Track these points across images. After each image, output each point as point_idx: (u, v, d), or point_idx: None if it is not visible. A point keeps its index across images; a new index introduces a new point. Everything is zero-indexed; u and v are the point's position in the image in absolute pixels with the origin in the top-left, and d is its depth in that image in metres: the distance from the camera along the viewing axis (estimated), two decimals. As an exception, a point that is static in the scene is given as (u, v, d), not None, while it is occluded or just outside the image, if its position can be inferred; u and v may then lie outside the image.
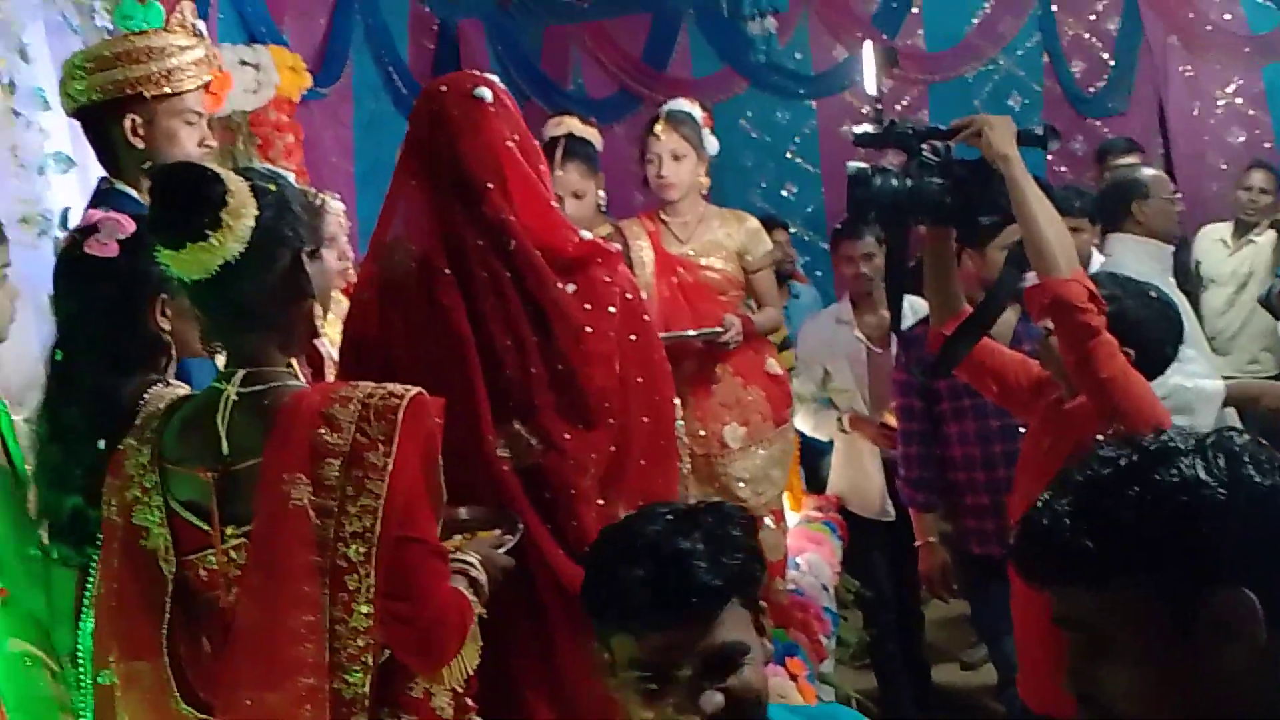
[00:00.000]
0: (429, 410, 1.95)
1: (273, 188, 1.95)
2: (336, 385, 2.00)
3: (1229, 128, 7.39)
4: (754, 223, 4.24)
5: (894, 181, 2.86)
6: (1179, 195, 5.11)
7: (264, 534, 1.88)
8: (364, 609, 1.85)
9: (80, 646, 2.23)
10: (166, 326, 2.34)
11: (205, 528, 1.95)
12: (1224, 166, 7.24)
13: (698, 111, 4.16)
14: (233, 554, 1.93)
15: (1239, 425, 4.10)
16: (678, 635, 1.59)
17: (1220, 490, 1.23)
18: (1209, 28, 7.34)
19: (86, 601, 2.22)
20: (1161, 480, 1.25)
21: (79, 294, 2.37)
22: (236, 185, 1.89)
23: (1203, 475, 1.24)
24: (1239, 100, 7.38)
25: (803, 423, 4.97)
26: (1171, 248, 4.51)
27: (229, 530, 1.93)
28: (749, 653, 1.62)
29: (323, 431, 1.87)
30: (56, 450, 2.31)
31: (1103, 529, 1.25)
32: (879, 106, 3.09)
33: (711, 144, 4.16)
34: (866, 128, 3.03)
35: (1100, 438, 1.36)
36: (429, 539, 1.96)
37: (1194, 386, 3.96)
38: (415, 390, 1.94)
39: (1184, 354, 3.57)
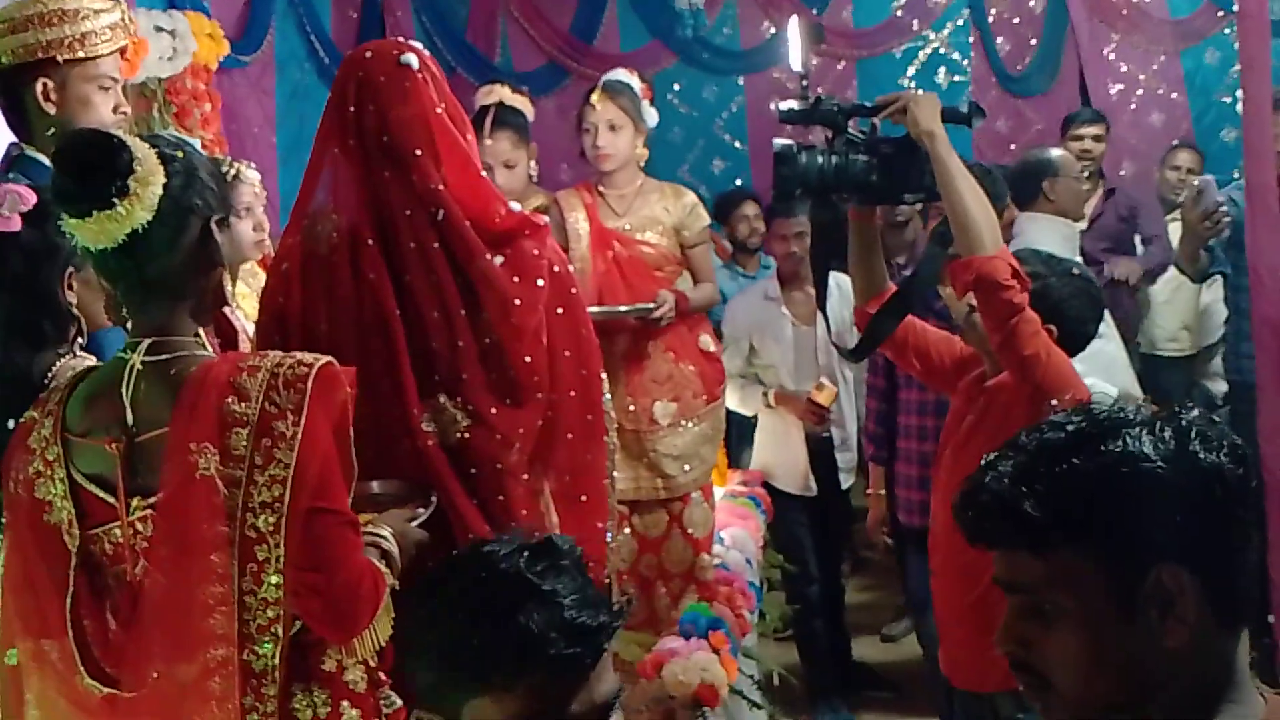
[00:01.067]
0: (340, 380, 1.93)
1: (180, 155, 1.91)
2: (245, 355, 1.99)
3: (1149, 110, 7.50)
4: (691, 197, 4.22)
5: (820, 159, 2.86)
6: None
7: (171, 505, 1.85)
8: (274, 579, 1.84)
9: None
10: (74, 299, 2.27)
11: (111, 500, 1.92)
12: (1143, 148, 7.35)
13: (636, 83, 4.11)
14: (139, 526, 1.90)
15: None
16: (554, 690, 1.45)
17: (1161, 465, 1.23)
18: (1130, 10, 7.43)
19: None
20: (1106, 451, 1.24)
21: None
22: (144, 152, 1.86)
23: (1147, 449, 1.23)
24: (1159, 83, 7.49)
25: (729, 398, 4.98)
26: (1080, 226, 4.58)
27: (135, 502, 1.90)
28: (620, 694, 1.52)
29: (230, 400, 1.84)
30: None
31: (1046, 494, 1.25)
32: (805, 83, 3.08)
33: (651, 116, 4.12)
34: (792, 103, 3.03)
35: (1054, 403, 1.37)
36: (341, 509, 1.93)
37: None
38: (325, 359, 1.92)
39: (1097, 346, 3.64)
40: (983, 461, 1.31)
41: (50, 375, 2.17)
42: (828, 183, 2.88)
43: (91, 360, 2.23)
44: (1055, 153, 4.89)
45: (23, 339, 2.24)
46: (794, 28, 3.31)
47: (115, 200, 1.82)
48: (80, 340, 2.32)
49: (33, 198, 2.23)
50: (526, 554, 1.51)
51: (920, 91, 2.91)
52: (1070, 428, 1.28)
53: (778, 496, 5.09)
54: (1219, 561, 1.25)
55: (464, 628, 1.47)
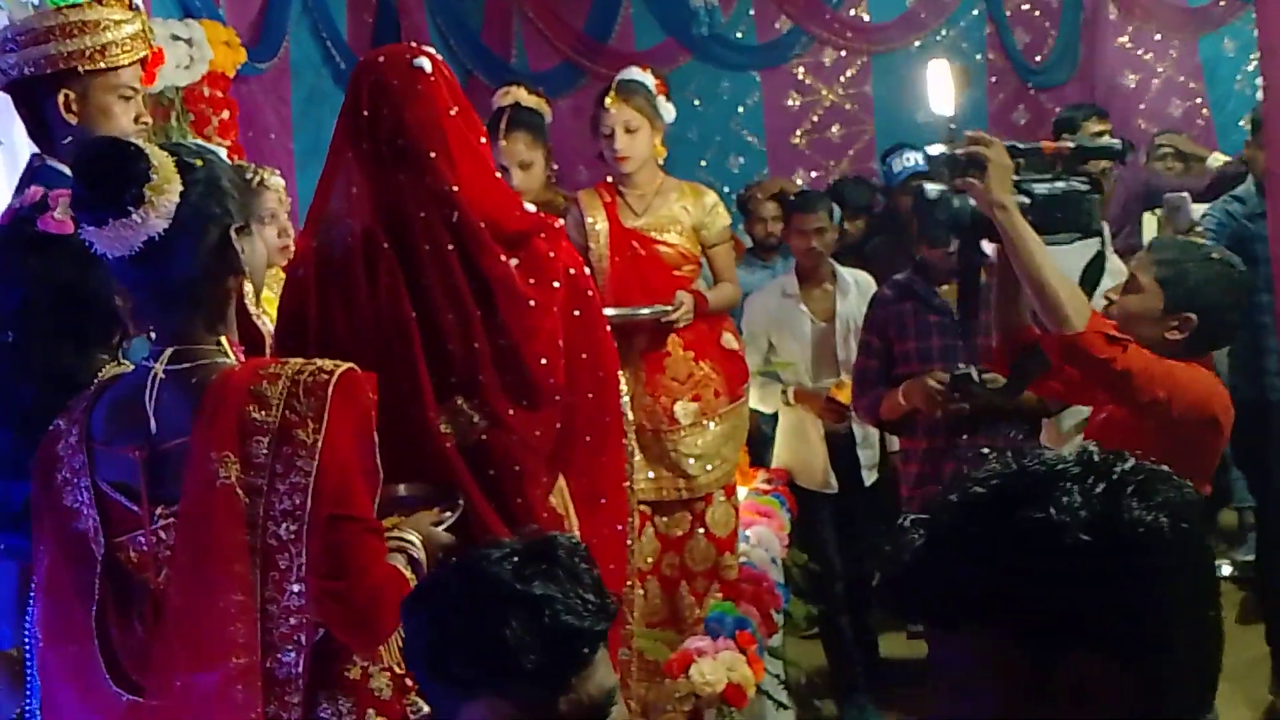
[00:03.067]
0: (361, 386, 1.92)
1: (199, 163, 1.91)
2: (266, 362, 1.97)
3: (1168, 99, 7.46)
4: (712, 197, 4.20)
5: (972, 203, 2.85)
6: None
7: (192, 513, 1.85)
8: (295, 587, 1.83)
9: (28, 638, 2.18)
10: (121, 302, 2.28)
11: (135, 508, 1.92)
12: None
13: (649, 80, 4.09)
14: (162, 534, 1.91)
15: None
16: (551, 690, 1.44)
17: (1084, 535, 1.08)
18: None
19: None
20: (1022, 517, 1.10)
21: (34, 273, 2.30)
22: (161, 160, 1.86)
23: (1066, 515, 1.08)
24: (1177, 71, 7.44)
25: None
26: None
27: (158, 510, 1.90)
28: (615, 692, 1.51)
29: (251, 408, 1.84)
30: (6, 438, 2.26)
31: (953, 567, 1.11)
32: (952, 126, 3.06)
33: (668, 112, 4.10)
34: (941, 147, 3.01)
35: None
36: (363, 516, 1.93)
37: None
38: (345, 366, 1.91)
39: None
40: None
41: (95, 380, 2.18)
42: (980, 226, 2.85)
43: (130, 367, 2.24)
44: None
45: (71, 340, 2.27)
46: (942, 71, 3.25)
47: (131, 209, 1.82)
48: (125, 345, 2.33)
49: None
50: (517, 558, 1.48)
51: (989, 142, 2.80)
52: (994, 483, 1.14)
53: (799, 494, 5.08)
54: (1149, 645, 1.09)
55: (449, 636, 1.46)
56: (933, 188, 2.94)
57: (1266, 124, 3.97)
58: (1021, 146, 2.96)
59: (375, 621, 1.94)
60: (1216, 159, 5.90)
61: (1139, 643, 1.09)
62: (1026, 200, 2.84)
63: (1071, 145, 3.01)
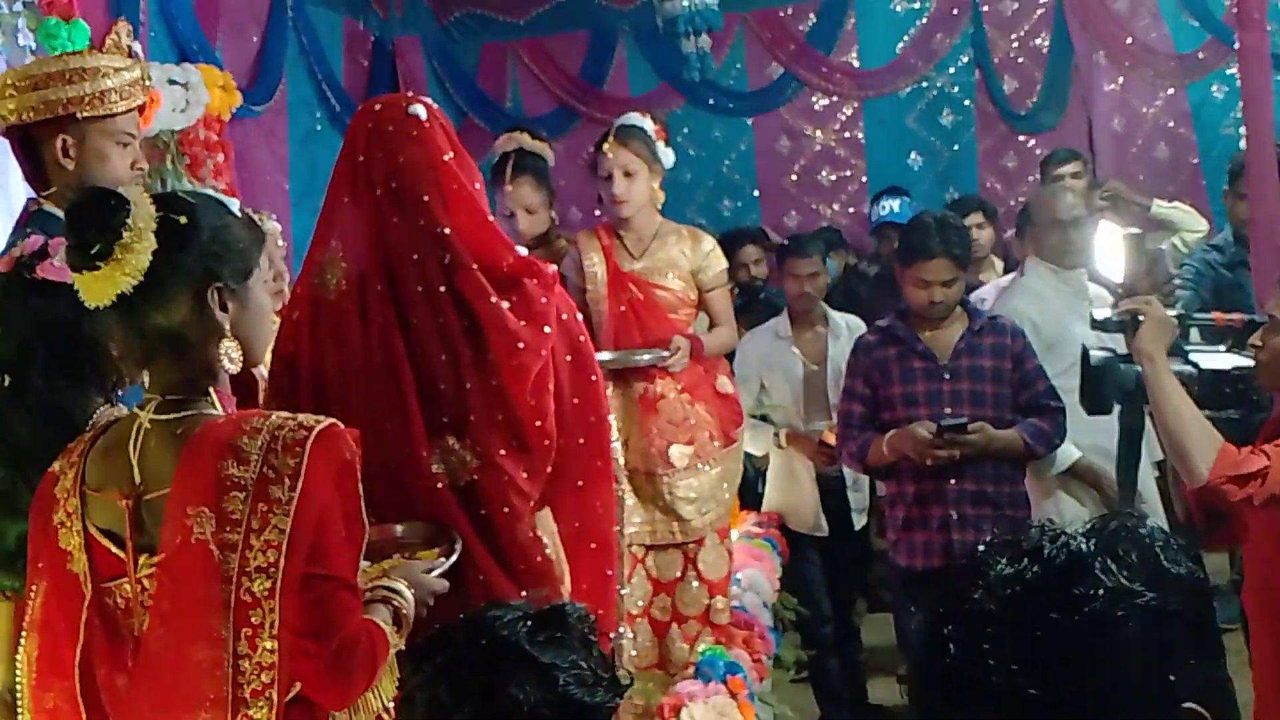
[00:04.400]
0: (341, 441, 1.91)
1: (183, 220, 1.90)
2: (248, 415, 1.96)
3: (1155, 144, 7.52)
4: (710, 242, 4.22)
5: (1137, 369, 2.93)
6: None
7: (169, 566, 1.85)
8: (268, 644, 1.82)
9: (20, 679, 2.18)
10: (117, 349, 2.31)
11: (122, 555, 1.93)
12: (1150, 182, 7.37)
13: (648, 124, 4.10)
14: (145, 583, 1.91)
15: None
16: None
17: (1150, 593, 1.03)
18: (1135, 45, 7.46)
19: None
20: (1086, 595, 1.03)
21: (32, 318, 2.32)
22: (140, 215, 1.86)
23: (1124, 579, 1.04)
24: (1165, 117, 7.51)
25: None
26: (1077, 273, 4.42)
27: (142, 559, 1.91)
28: None
29: (228, 464, 1.83)
30: (4, 475, 2.27)
31: (1034, 665, 1.03)
32: (1119, 291, 3.13)
33: (666, 156, 4.11)
34: (1108, 313, 3.09)
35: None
36: (339, 574, 1.91)
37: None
38: (327, 422, 1.90)
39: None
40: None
41: (91, 422, 2.20)
42: (1144, 393, 2.93)
43: (123, 411, 2.25)
44: (1039, 196, 4.87)
45: (68, 382, 2.28)
46: (1116, 239, 3.29)
47: (99, 262, 1.84)
48: (120, 390, 2.35)
49: None
50: (530, 623, 1.49)
51: (1156, 306, 2.94)
52: (1027, 577, 1.07)
53: (791, 537, 5.09)
54: (1220, 687, 1.07)
55: (458, 691, 1.47)
56: (1098, 354, 3.07)
57: (1249, 171, 4.02)
58: (1195, 317, 3.12)
59: (347, 678, 1.93)
60: (1159, 206, 5.96)
61: (1216, 679, 1.08)
62: (1193, 371, 2.95)
63: (1244, 318, 3.06)
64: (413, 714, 1.56)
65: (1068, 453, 4.09)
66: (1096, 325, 3.19)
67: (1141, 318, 2.91)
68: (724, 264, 4.25)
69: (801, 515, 5.05)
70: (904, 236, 4.19)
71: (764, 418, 5.09)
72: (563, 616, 1.53)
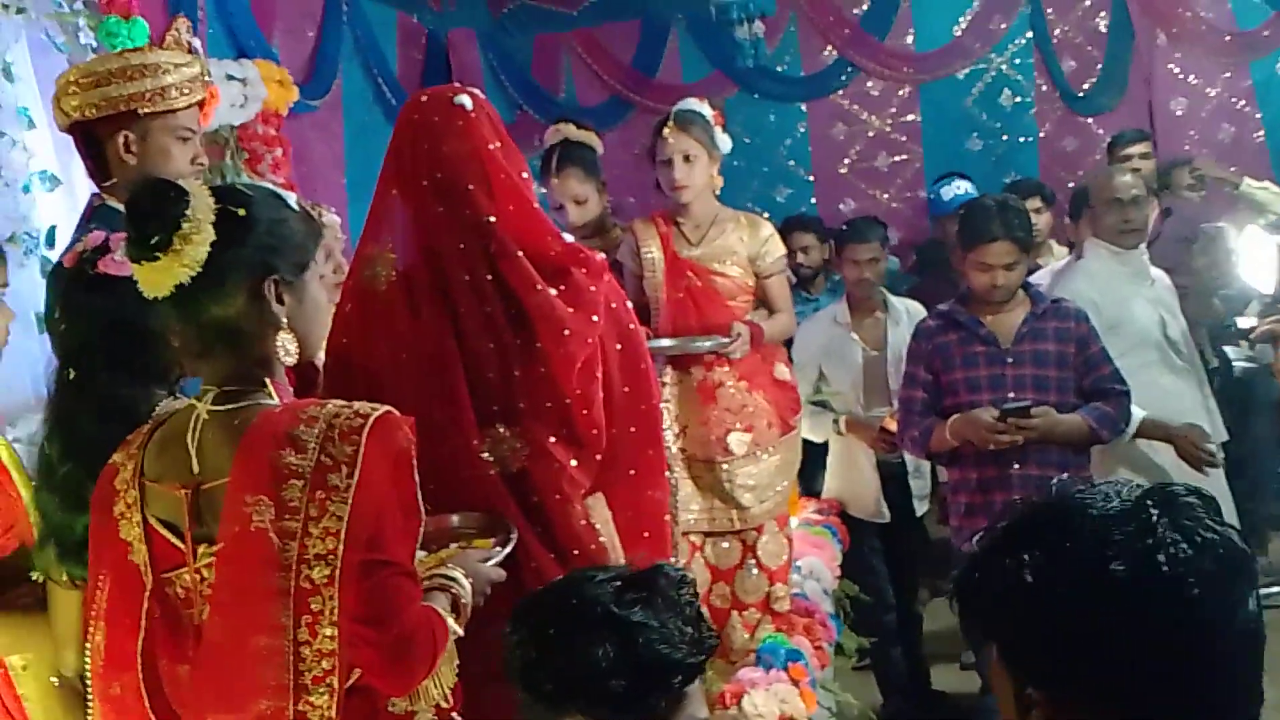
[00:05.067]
0: (397, 428, 1.92)
1: (241, 212, 1.91)
2: (305, 404, 1.97)
3: (1218, 124, 7.39)
4: (768, 228, 4.20)
5: None
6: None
7: (228, 555, 1.87)
8: (328, 631, 1.83)
9: (88, 667, 2.22)
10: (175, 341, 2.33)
11: (181, 545, 1.95)
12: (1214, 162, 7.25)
13: (707, 110, 4.09)
14: (204, 572, 1.93)
15: None
16: (637, 716, 1.48)
17: (1029, 576, 1.17)
18: (1197, 24, 7.33)
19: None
20: (1011, 556, 1.19)
21: (95, 312, 2.35)
22: (199, 207, 1.88)
23: (1027, 557, 1.18)
24: (1228, 96, 7.38)
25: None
26: (1138, 252, 4.42)
27: (201, 549, 1.93)
28: None
29: (286, 452, 1.85)
30: (70, 468, 2.30)
31: (969, 596, 1.23)
32: (1266, 300, 3.16)
33: (724, 142, 4.10)
34: (1252, 320, 3.14)
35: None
36: (398, 560, 1.93)
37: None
38: (383, 409, 1.91)
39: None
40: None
41: (154, 414, 2.22)
42: None
43: (186, 403, 2.28)
44: (1095, 176, 4.79)
45: (131, 376, 2.31)
46: (1262, 242, 3.27)
47: (157, 253, 1.86)
48: (182, 381, 2.38)
49: None
50: (620, 583, 1.52)
51: None
52: (1003, 525, 1.23)
53: (851, 524, 5.06)
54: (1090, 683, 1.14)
55: (544, 653, 1.51)
56: (1240, 364, 3.03)
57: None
58: None
59: (408, 665, 1.94)
60: (1248, 185, 5.83)
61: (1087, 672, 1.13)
62: None
63: None
64: (510, 673, 1.60)
65: (1133, 414, 4.04)
66: (1240, 335, 3.17)
67: None
68: (782, 250, 4.23)
69: (863, 502, 5.02)
70: (965, 220, 4.15)
71: (823, 404, 5.07)
72: (654, 578, 1.54)
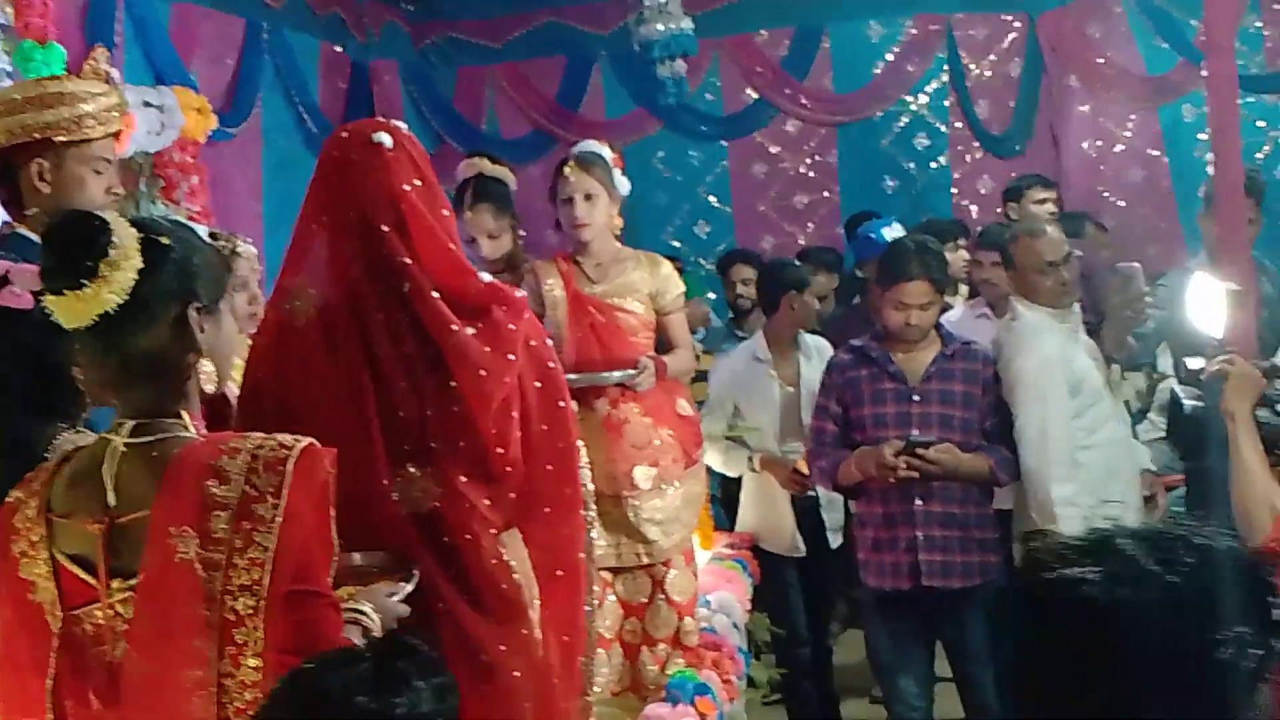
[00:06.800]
0: (320, 460, 1.92)
1: (164, 241, 1.92)
2: (227, 436, 1.98)
3: (1128, 167, 7.58)
4: (668, 266, 4.24)
5: None
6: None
7: (151, 588, 1.85)
8: (252, 662, 1.82)
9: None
10: (81, 375, 2.30)
11: (92, 581, 1.92)
12: (1122, 204, 7.43)
13: (607, 152, 4.13)
14: (119, 608, 1.90)
15: None
16: None
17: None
18: (1108, 67, 7.53)
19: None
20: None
21: None
22: (123, 235, 1.88)
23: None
24: (1137, 140, 7.58)
25: (712, 459, 5.01)
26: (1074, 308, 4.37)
27: (115, 584, 1.90)
28: None
29: (211, 484, 1.85)
30: None
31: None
32: (1215, 344, 3.24)
33: (623, 184, 4.13)
34: (1200, 362, 3.24)
35: None
36: (323, 590, 1.93)
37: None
38: (306, 441, 1.92)
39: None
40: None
41: (51, 448, 2.19)
42: None
43: (90, 437, 2.25)
44: (1018, 237, 4.45)
45: (29, 411, 2.28)
46: (1211, 287, 3.34)
47: (84, 281, 1.85)
48: (85, 415, 2.35)
49: None
50: (365, 669, 1.48)
51: (1240, 364, 3.04)
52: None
53: (766, 558, 5.10)
54: None
55: None
56: (1189, 403, 3.20)
57: (1217, 196, 4.03)
58: None
59: None
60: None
61: None
62: None
63: None
64: None
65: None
66: (1187, 377, 3.26)
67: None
68: (681, 288, 4.27)
69: (779, 535, 5.07)
70: (884, 260, 4.22)
71: (739, 440, 5.11)
72: (401, 654, 1.53)
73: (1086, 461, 4.00)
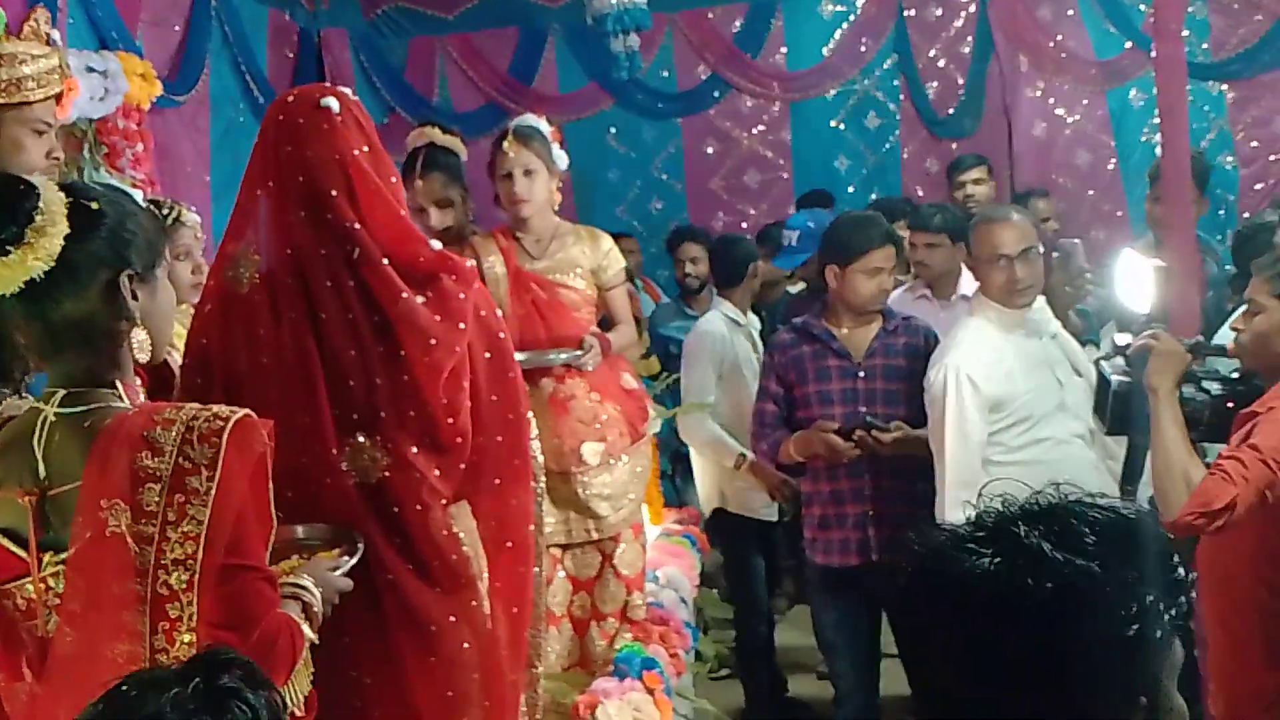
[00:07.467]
0: (255, 432, 1.89)
1: (95, 206, 1.88)
2: (160, 406, 1.93)
3: (1075, 150, 7.64)
4: (608, 241, 4.22)
5: None
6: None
7: (82, 562, 1.82)
8: (186, 637, 1.80)
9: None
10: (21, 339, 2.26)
11: (23, 554, 1.88)
12: (1070, 186, 7.50)
13: (545, 126, 4.10)
14: (51, 581, 1.87)
15: None
16: None
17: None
18: (1057, 51, 7.58)
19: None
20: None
21: None
22: (51, 201, 1.84)
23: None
24: (1085, 123, 7.64)
25: (704, 445, 5.01)
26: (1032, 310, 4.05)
27: (47, 557, 1.87)
28: None
29: (143, 455, 1.81)
30: None
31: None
32: (1142, 319, 3.26)
33: (561, 159, 4.11)
34: (1127, 337, 3.28)
35: None
36: (257, 564, 1.91)
37: None
38: (242, 412, 1.89)
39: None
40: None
41: None
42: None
43: (30, 403, 2.21)
44: (976, 225, 4.13)
45: None
46: (1139, 264, 3.34)
47: (9, 247, 1.81)
48: (27, 379, 2.30)
49: None
50: (179, 689, 1.39)
51: (1165, 340, 3.08)
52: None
53: (732, 524, 5.09)
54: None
55: None
56: (1118, 379, 3.21)
57: (1164, 180, 4.06)
58: (1209, 346, 3.22)
59: (266, 672, 1.92)
60: None
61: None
62: (1204, 396, 3.11)
63: None
64: None
65: None
66: (1113, 352, 3.28)
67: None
68: (623, 263, 4.25)
69: (747, 497, 5.04)
70: (841, 235, 4.16)
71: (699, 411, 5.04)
72: (220, 673, 1.43)
73: (1027, 460, 3.75)
